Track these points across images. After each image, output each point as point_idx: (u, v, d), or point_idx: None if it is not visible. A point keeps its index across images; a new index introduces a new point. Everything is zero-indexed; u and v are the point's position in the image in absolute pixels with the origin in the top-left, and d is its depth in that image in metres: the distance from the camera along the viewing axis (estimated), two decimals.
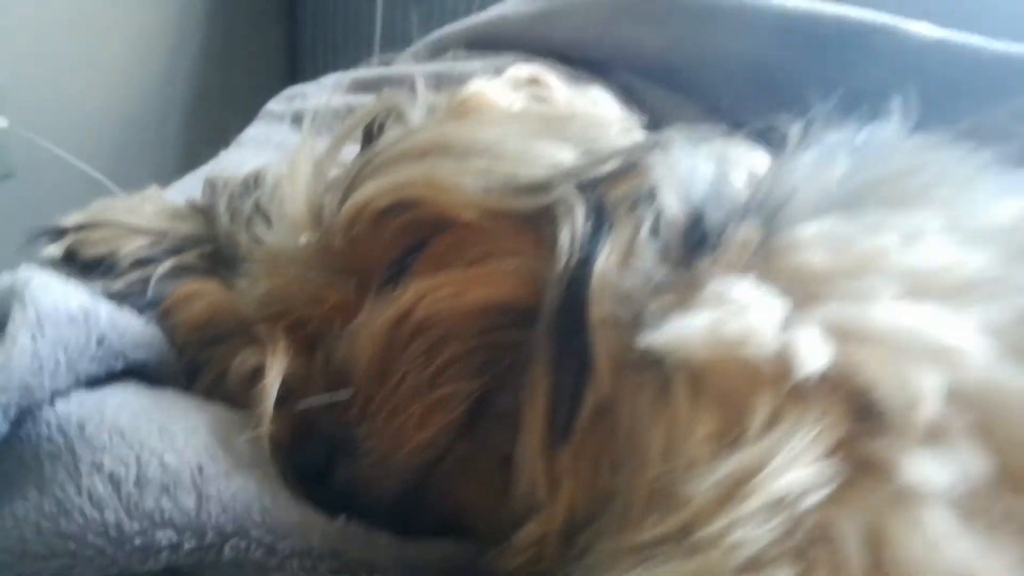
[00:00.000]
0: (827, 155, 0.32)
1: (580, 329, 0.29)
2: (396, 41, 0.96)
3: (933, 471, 0.19)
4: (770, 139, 0.36)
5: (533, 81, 0.53)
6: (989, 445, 0.20)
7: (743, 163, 0.35)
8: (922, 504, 0.18)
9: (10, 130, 1.36)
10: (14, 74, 1.38)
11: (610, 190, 0.34)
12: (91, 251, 0.45)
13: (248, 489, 0.30)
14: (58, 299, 0.31)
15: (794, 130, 0.34)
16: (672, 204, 0.31)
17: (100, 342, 0.32)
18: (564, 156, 0.37)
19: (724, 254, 0.28)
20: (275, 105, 0.80)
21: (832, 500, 0.20)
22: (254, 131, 0.76)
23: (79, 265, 0.45)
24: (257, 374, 0.34)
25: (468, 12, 0.90)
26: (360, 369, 0.32)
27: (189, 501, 0.28)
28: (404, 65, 0.85)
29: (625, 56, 0.78)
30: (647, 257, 0.30)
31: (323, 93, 0.81)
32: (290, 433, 0.32)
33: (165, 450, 0.29)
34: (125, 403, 0.31)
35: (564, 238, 0.32)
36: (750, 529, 0.19)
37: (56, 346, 0.30)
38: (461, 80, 0.73)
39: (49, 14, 1.42)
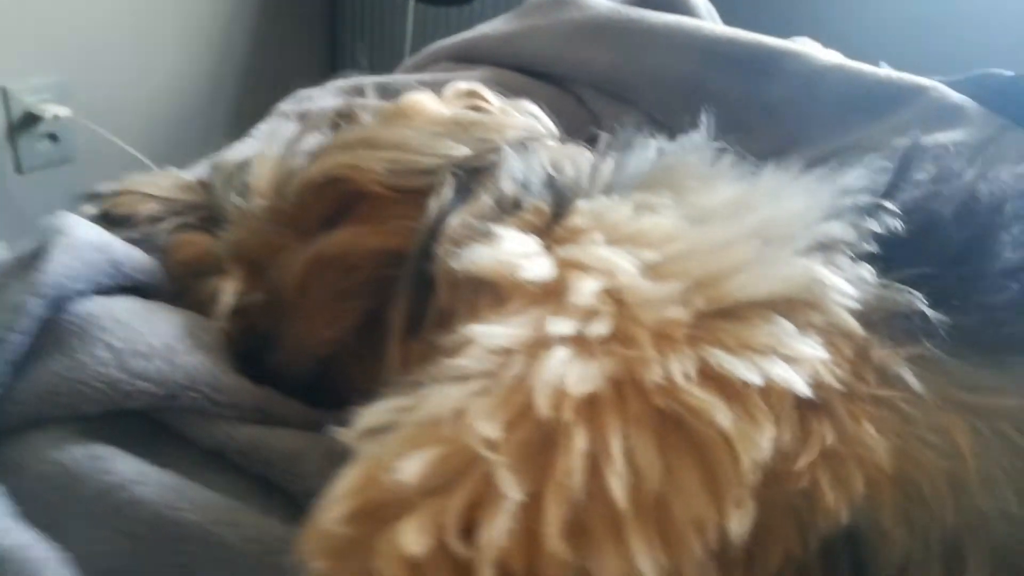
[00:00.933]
0: (622, 155, 0.46)
1: (430, 264, 0.43)
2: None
3: (569, 328, 0.32)
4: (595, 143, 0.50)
5: (470, 94, 0.67)
6: (616, 320, 0.32)
7: (571, 159, 0.48)
8: (555, 345, 0.31)
9: (73, 119, 1.54)
10: (77, 68, 1.56)
11: (477, 176, 0.48)
12: (118, 211, 0.60)
13: (204, 362, 0.44)
14: (86, 232, 0.46)
15: (603, 139, 0.48)
16: (508, 186, 0.45)
17: (113, 265, 0.46)
18: (457, 152, 0.51)
19: (520, 217, 0.41)
20: (285, 105, 0.94)
21: (522, 350, 0.33)
22: (264, 126, 0.91)
23: (109, 221, 0.60)
24: (219, 290, 0.49)
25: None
26: (287, 286, 0.46)
27: (163, 366, 0.43)
28: (396, 75, 0.99)
29: (580, 71, 0.92)
30: (481, 219, 0.43)
31: (326, 95, 0.96)
32: (238, 330, 0.47)
33: (149, 334, 0.44)
34: (126, 305, 0.46)
35: (432, 205, 0.46)
36: (474, 362, 0.32)
37: (82, 262, 0.45)
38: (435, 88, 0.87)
39: (109, 15, 1.59)
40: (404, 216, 0.48)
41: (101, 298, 0.46)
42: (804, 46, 0.85)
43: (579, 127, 0.87)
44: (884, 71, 0.78)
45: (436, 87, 0.91)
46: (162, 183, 0.64)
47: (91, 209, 0.61)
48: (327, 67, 2.02)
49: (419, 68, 1.02)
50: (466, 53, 0.99)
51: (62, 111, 1.54)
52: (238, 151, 0.83)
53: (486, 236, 0.40)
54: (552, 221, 0.42)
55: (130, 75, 1.68)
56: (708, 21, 0.91)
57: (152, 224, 0.59)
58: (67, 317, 0.43)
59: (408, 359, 0.43)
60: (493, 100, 0.67)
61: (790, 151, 0.84)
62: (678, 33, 0.86)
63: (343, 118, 0.60)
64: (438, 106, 0.62)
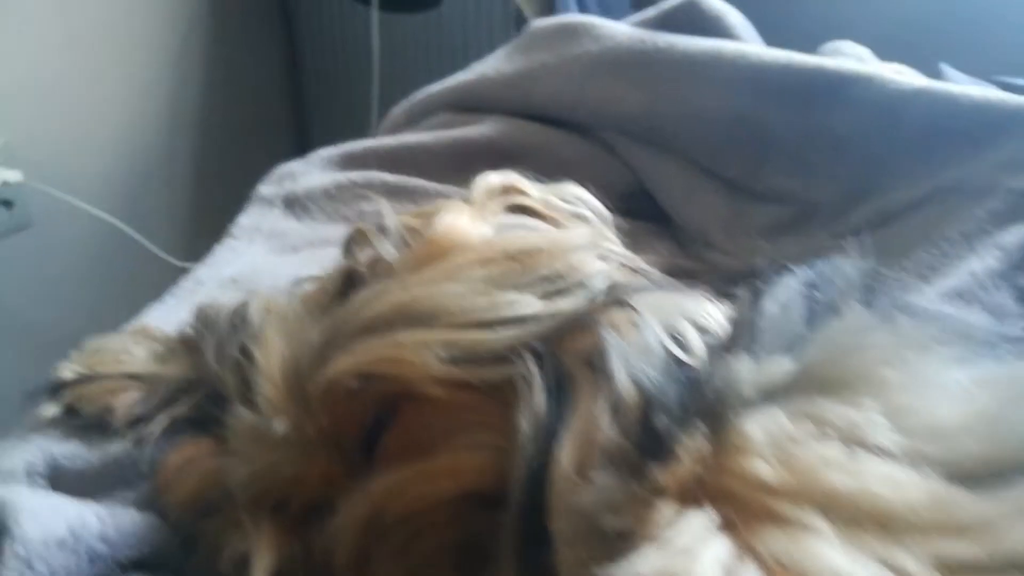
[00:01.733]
0: (774, 326, 0.33)
1: (542, 541, 0.30)
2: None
3: None
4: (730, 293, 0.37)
5: (506, 190, 0.54)
6: None
7: (698, 323, 0.35)
8: None
9: (25, 183, 1.40)
10: (24, 130, 1.42)
11: (568, 348, 0.35)
12: (87, 408, 0.47)
13: None
14: (45, 526, 0.32)
15: (744, 295, 0.35)
16: (626, 387, 0.32)
17: (92, 559, 0.33)
18: (527, 306, 0.38)
19: (675, 467, 0.29)
20: (266, 188, 0.80)
21: None
22: (246, 219, 0.77)
23: (79, 422, 0.47)
24: (246, 560, 0.36)
25: None
26: (339, 563, 0.33)
27: None
28: (389, 137, 0.86)
29: (605, 114, 0.79)
30: (607, 458, 0.30)
31: (312, 171, 0.82)
32: None
33: None
34: None
35: (524, 424, 0.33)
36: None
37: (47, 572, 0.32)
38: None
39: (54, 71, 1.45)
40: (479, 425, 0.35)
41: None
42: (874, 67, 0.73)
43: (615, 183, 0.75)
44: (979, 91, 0.66)
45: (451, 160, 0.78)
46: (136, 353, 0.51)
47: (52, 409, 0.48)
48: (289, 96, 1.87)
49: (413, 120, 0.89)
50: (466, 100, 0.85)
51: (12, 175, 1.42)
52: (224, 260, 0.70)
53: (637, 515, 0.27)
54: (710, 466, 0.29)
55: (80, 130, 1.55)
56: (749, 43, 0.78)
57: (136, 426, 0.45)
58: None
59: None
60: (533, 192, 0.54)
61: (865, 195, 0.72)
62: (719, 62, 0.73)
63: (354, 244, 0.47)
64: (477, 226, 0.49)
